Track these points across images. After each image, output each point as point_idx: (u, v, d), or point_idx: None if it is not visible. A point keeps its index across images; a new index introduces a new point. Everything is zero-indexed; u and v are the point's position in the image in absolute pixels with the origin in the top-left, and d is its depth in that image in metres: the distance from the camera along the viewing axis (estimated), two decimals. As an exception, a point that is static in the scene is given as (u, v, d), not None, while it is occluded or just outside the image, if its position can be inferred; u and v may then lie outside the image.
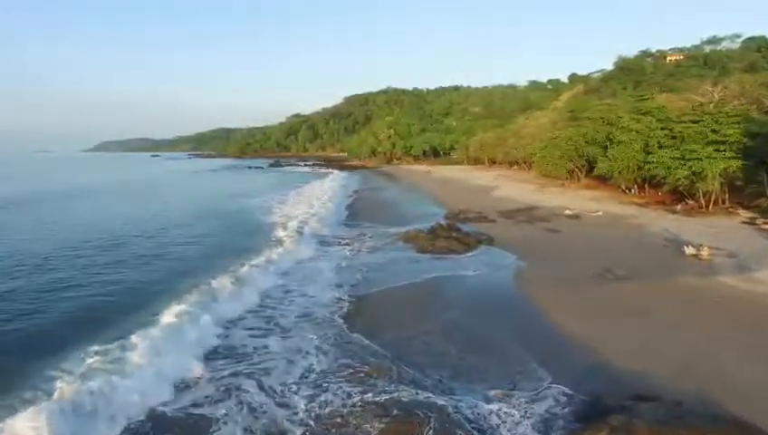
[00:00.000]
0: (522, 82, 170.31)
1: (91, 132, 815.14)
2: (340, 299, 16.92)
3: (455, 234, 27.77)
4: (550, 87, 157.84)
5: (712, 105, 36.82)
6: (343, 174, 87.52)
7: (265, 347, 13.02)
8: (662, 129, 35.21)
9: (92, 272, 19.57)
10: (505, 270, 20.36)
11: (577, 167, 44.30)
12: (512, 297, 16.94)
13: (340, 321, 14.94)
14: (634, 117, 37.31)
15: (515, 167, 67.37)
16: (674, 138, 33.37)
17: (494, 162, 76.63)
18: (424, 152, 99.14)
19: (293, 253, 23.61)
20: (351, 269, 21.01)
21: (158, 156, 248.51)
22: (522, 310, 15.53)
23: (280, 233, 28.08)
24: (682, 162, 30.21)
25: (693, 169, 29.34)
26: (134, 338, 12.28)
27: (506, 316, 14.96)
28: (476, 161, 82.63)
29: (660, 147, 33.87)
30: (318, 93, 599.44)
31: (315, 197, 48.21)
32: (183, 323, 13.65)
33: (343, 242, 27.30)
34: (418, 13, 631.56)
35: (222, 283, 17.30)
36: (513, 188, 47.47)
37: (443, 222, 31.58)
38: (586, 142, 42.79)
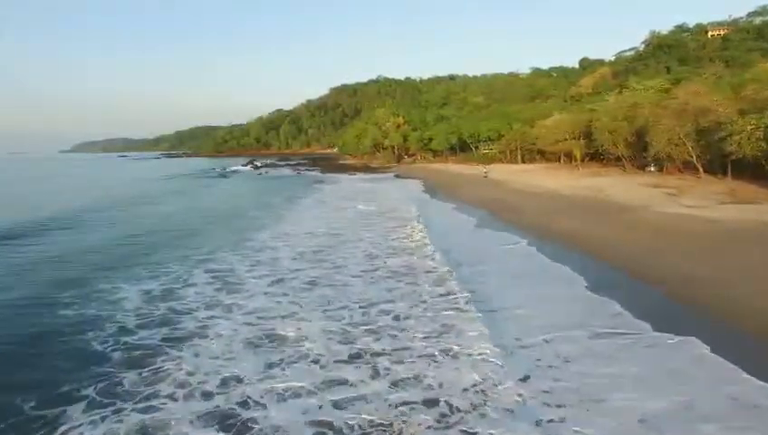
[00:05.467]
0: (523, 69, 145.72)
1: (71, 133, 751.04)
2: None
3: None
4: (554, 74, 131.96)
5: None
6: (357, 186, 56.25)
7: None
8: None
9: None
10: None
11: None
12: None
13: None
14: None
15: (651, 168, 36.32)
16: None
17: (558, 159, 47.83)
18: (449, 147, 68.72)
19: None
20: None
21: (125, 156, 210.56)
22: None
23: None
24: None
25: None
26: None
27: None
28: (539, 158, 53.36)
29: None
30: (302, 85, 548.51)
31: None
32: None
33: None
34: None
35: None
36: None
37: None
38: None
